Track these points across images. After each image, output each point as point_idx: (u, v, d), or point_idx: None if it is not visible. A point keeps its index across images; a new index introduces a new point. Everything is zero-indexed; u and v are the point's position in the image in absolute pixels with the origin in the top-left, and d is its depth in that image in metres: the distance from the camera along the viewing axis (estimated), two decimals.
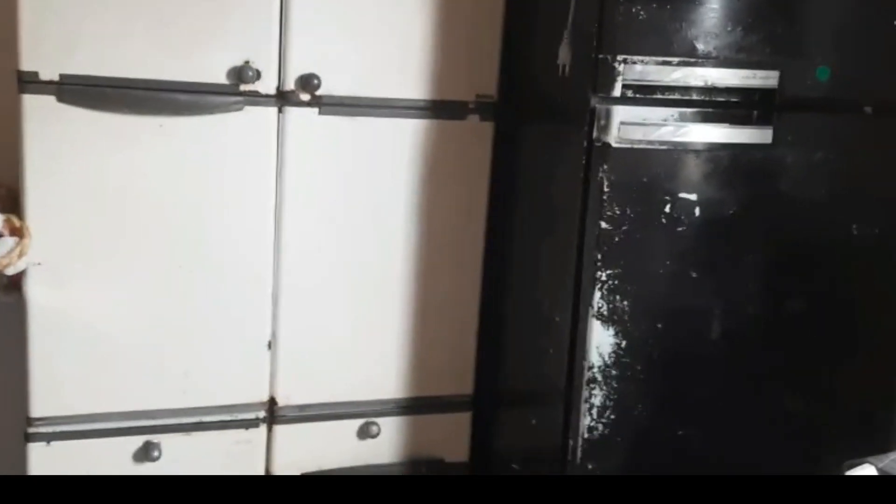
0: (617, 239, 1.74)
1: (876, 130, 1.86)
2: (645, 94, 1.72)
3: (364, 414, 2.04)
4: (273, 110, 1.85)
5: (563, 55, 1.79)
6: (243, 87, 1.81)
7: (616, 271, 1.75)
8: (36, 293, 1.78)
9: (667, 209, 1.75)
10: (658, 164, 1.74)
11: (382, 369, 2.04)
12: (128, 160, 1.79)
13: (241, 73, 1.80)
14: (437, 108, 1.95)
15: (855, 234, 1.87)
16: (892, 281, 1.92)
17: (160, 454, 1.89)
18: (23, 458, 1.82)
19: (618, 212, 1.73)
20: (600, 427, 1.79)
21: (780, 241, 1.84)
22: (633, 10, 1.68)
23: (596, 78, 1.71)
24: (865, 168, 1.87)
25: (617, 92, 1.70)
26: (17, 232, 1.73)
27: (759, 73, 1.75)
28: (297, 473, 2.00)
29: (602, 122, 1.71)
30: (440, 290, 2.04)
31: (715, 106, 1.76)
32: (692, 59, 1.72)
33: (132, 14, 1.74)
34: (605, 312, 1.75)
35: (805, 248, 1.86)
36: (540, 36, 1.89)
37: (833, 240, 1.88)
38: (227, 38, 1.79)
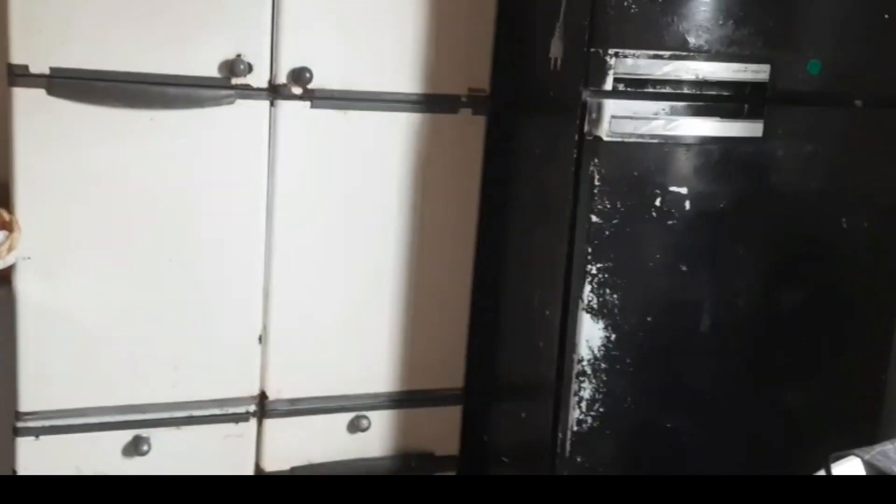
0: (607, 232, 1.74)
1: (867, 124, 1.87)
2: (636, 88, 1.72)
3: (355, 408, 2.04)
4: (265, 104, 1.85)
5: (555, 49, 1.79)
6: (235, 81, 1.81)
7: (606, 265, 1.75)
8: (25, 287, 1.77)
9: (657, 203, 1.75)
10: (649, 157, 1.74)
11: (373, 363, 2.04)
12: (119, 154, 1.78)
13: (233, 67, 1.79)
14: (430, 102, 1.95)
15: (845, 227, 1.88)
16: (881, 274, 1.93)
17: (150, 448, 1.88)
18: (11, 453, 1.82)
19: (608, 205, 1.73)
20: (589, 420, 1.80)
21: (770, 235, 1.85)
22: (625, 3, 1.68)
23: (587, 71, 1.71)
24: (856, 161, 1.88)
25: (608, 85, 1.70)
26: (7, 226, 1.72)
27: (751, 66, 1.75)
28: (288, 467, 2.00)
29: (593, 116, 1.71)
30: (431, 284, 2.04)
31: (706, 99, 1.76)
32: (683, 53, 1.72)
33: (123, 7, 1.73)
34: (595, 306, 1.76)
35: (795, 241, 1.87)
36: (532, 30, 1.89)
37: (823, 233, 1.88)
38: (219, 31, 1.79)
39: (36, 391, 1.81)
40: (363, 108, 1.91)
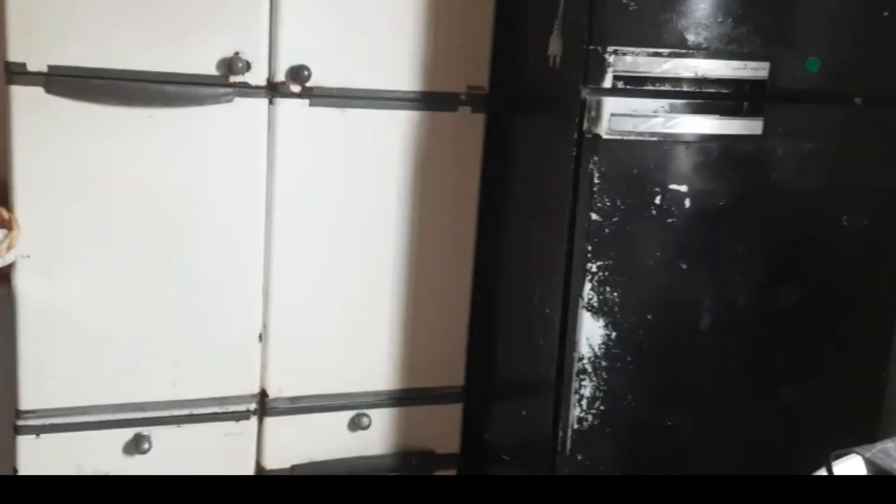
0: (607, 230, 1.74)
1: (866, 122, 1.86)
2: (635, 86, 1.72)
3: (355, 406, 2.04)
4: (263, 102, 1.85)
5: (554, 47, 1.79)
6: (233, 79, 1.81)
7: (606, 263, 1.75)
8: (25, 286, 1.77)
9: (657, 200, 1.75)
10: (648, 155, 1.74)
11: (374, 361, 2.04)
12: (117, 152, 1.78)
13: (231, 65, 1.79)
14: (429, 100, 1.95)
15: (845, 225, 1.88)
16: (881, 272, 1.93)
17: (150, 446, 1.88)
18: (12, 451, 1.82)
19: (608, 203, 1.73)
20: (590, 418, 1.79)
21: (769, 233, 1.84)
22: (624, 1, 1.67)
23: (586, 69, 1.71)
24: (855, 159, 1.87)
25: (607, 83, 1.70)
26: (6, 224, 1.72)
27: (750, 64, 1.75)
28: (288, 466, 2.01)
29: (592, 114, 1.71)
30: (431, 282, 2.04)
31: (705, 97, 1.76)
32: (683, 51, 1.72)
33: (122, 5, 1.73)
34: (596, 304, 1.76)
35: (795, 239, 1.87)
36: (531, 27, 1.89)
37: (823, 231, 1.88)
38: (217, 29, 1.79)
39: (36, 389, 1.81)
40: (362, 106, 1.91)
